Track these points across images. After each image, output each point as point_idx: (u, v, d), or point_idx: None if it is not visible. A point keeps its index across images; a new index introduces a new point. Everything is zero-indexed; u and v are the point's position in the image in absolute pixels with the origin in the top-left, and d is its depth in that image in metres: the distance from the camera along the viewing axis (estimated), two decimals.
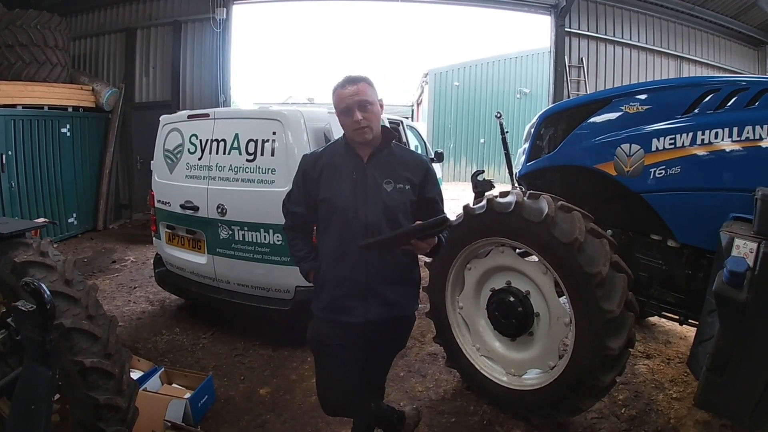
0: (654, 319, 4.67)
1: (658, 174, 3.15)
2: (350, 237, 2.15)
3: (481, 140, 20.19)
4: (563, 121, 3.69)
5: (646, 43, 9.99)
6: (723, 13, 10.17)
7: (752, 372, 2.28)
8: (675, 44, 10.19)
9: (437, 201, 2.34)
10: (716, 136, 2.93)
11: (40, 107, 8.01)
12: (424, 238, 2.06)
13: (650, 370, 3.95)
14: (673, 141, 3.09)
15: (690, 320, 3.28)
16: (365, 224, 2.14)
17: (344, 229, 2.17)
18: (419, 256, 2.29)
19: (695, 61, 10.33)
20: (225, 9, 9.38)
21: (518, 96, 19.96)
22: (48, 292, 1.72)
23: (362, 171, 2.20)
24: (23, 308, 1.71)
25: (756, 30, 10.32)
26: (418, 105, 24.68)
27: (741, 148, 2.87)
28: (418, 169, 2.28)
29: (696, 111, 3.06)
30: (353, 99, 2.12)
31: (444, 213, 2.39)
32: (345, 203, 2.17)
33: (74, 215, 8.66)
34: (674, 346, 4.37)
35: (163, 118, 4.78)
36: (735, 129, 2.87)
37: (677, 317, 3.40)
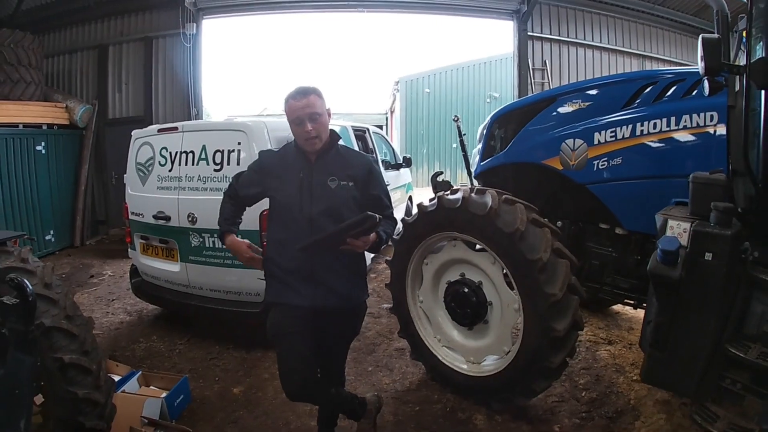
0: (617, 307, 4.85)
1: (601, 165, 3.33)
2: (296, 231, 2.34)
3: (453, 145, 20.39)
4: (513, 120, 3.86)
5: (608, 43, 10.25)
6: (683, 11, 10.47)
7: (691, 346, 2.43)
8: (637, 43, 10.46)
9: (381, 197, 2.52)
10: (654, 127, 3.11)
11: (15, 125, 8.02)
12: (357, 236, 2.24)
13: (611, 355, 4.09)
14: (613, 133, 3.27)
15: (644, 304, 3.42)
16: (310, 219, 2.33)
17: (291, 223, 2.35)
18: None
19: (658, 59, 10.57)
20: (195, 24, 9.46)
21: (488, 100, 20.29)
22: (30, 287, 1.90)
23: (309, 171, 2.40)
24: (8, 302, 1.89)
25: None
26: (392, 113, 24.85)
27: (679, 136, 3.05)
28: (362, 167, 2.48)
29: (635, 104, 3.24)
30: (304, 111, 2.32)
31: (390, 208, 2.58)
32: (291, 200, 2.36)
33: (51, 232, 8.65)
34: (636, 332, 4.47)
35: (135, 133, 4.90)
36: (673, 118, 3.05)
37: (632, 302, 3.58)
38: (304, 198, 2.36)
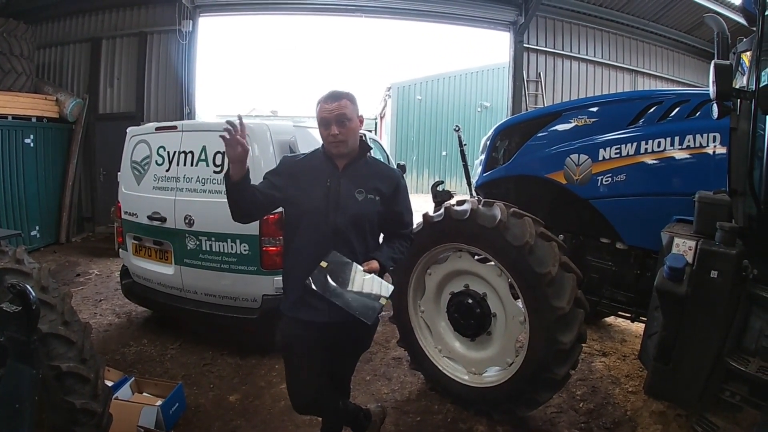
0: (610, 319, 4.91)
1: (605, 181, 3.37)
2: (319, 240, 2.26)
3: (443, 153, 20.58)
4: (517, 133, 3.89)
5: (602, 57, 10.38)
6: (677, 29, 10.69)
7: (695, 359, 2.51)
8: (630, 59, 10.62)
9: (404, 214, 2.49)
10: (659, 145, 3.18)
11: (4, 117, 7.86)
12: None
13: (606, 366, 4.13)
14: (618, 150, 3.32)
15: (641, 317, 3.49)
16: (334, 229, 2.26)
17: (314, 232, 2.27)
18: None
19: (650, 75, 10.78)
20: (191, 21, 9.33)
21: (479, 109, 20.46)
22: (33, 294, 1.77)
23: (336, 179, 2.31)
24: (8, 310, 1.77)
25: (708, 44, 10.67)
26: (382, 118, 24.86)
27: (682, 156, 3.13)
28: (390, 182, 2.40)
29: (640, 122, 3.31)
30: (332, 114, 2.25)
31: (410, 226, 2.56)
32: (316, 207, 2.27)
33: (37, 228, 8.48)
34: (629, 344, 4.59)
35: (131, 130, 4.80)
36: (677, 138, 3.13)
37: (629, 315, 3.62)
38: (330, 206, 2.28)
